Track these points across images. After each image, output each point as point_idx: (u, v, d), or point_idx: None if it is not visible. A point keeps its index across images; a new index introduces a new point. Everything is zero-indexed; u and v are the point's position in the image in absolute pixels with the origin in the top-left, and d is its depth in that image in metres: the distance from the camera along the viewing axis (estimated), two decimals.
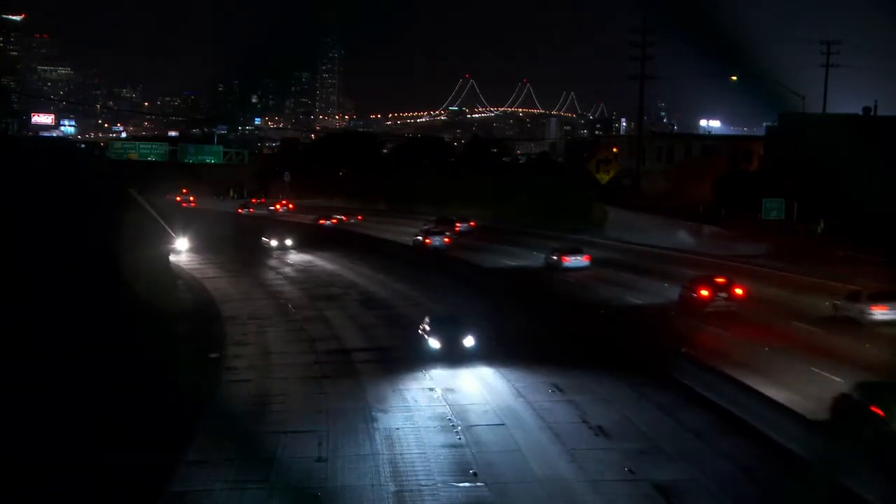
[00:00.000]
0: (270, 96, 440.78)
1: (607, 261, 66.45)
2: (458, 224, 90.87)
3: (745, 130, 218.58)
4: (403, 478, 25.66)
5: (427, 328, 40.14)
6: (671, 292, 50.42)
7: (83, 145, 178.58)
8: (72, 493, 23.14)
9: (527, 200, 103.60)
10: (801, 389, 31.40)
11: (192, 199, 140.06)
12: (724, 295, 45.22)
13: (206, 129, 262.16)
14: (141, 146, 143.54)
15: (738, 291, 46.38)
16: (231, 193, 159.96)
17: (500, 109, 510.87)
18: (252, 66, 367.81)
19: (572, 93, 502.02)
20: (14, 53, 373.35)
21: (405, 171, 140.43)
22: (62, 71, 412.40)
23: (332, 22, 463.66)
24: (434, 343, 38.88)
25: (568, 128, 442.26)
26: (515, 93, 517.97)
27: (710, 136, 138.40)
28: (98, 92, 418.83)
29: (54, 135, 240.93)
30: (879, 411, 25.49)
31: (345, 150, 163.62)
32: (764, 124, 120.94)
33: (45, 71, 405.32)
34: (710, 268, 57.00)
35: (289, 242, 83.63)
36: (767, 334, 40.54)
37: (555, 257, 65.27)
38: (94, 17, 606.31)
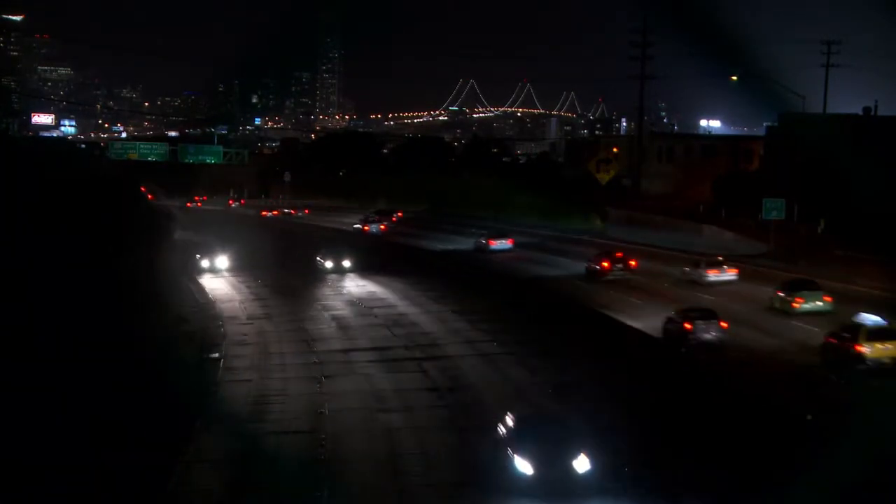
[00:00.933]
0: (270, 96, 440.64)
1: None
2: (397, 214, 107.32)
3: (745, 130, 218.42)
4: None
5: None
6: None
7: (83, 145, 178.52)
8: (72, 493, 23.14)
9: (527, 200, 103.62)
10: (650, 323, 43.97)
11: (199, 200, 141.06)
12: (620, 266, 56.18)
13: (206, 130, 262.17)
14: (141, 146, 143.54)
15: (632, 263, 58.29)
16: (231, 193, 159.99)
17: (500, 109, 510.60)
18: (252, 66, 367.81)
19: (572, 93, 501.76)
20: (14, 53, 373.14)
21: (405, 171, 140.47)
22: (62, 71, 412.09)
23: (332, 22, 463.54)
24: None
25: (568, 128, 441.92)
26: (515, 93, 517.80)
27: (710, 136, 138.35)
28: (98, 92, 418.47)
29: (54, 135, 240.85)
30: (688, 325, 40.44)
31: (345, 150, 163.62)
32: (764, 124, 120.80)
33: (45, 71, 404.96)
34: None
35: (347, 264, 68.34)
36: (647, 294, 53.54)
37: (483, 241, 76.35)
38: (94, 17, 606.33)
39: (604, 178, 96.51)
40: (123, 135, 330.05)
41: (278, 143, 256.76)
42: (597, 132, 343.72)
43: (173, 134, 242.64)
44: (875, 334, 35.79)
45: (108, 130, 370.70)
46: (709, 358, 37.30)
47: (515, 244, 76.38)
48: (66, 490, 23.11)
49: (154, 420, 28.61)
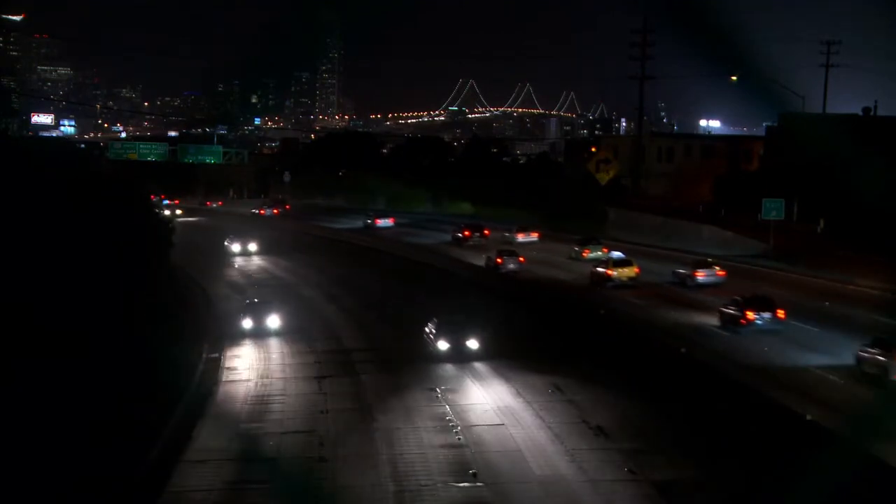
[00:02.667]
0: (270, 96, 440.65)
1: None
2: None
3: (745, 130, 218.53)
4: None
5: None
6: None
7: (82, 145, 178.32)
8: (72, 493, 23.14)
9: (526, 201, 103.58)
10: (477, 261, 69.35)
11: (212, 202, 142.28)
12: (478, 235, 77.19)
13: (205, 130, 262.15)
14: (141, 146, 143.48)
15: (486, 232, 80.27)
16: (231, 194, 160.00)
17: (500, 109, 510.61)
18: (252, 66, 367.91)
19: (572, 93, 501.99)
20: (14, 53, 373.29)
21: (405, 171, 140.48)
22: (62, 71, 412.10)
23: (332, 22, 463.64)
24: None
25: (568, 128, 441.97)
26: (515, 93, 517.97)
27: (710, 136, 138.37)
28: (98, 92, 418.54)
29: (54, 135, 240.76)
30: (499, 259, 65.10)
31: (345, 150, 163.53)
32: (764, 124, 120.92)
33: (45, 71, 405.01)
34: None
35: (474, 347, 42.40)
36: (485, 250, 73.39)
37: (369, 221, 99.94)
38: (93, 16, 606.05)
39: (603, 178, 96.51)
40: (123, 135, 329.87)
41: (278, 143, 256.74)
42: (596, 132, 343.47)
43: (173, 134, 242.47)
44: (618, 263, 59.92)
45: (108, 130, 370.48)
46: (509, 279, 62.57)
47: (396, 223, 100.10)
48: (65, 489, 23.11)
49: (154, 420, 28.65)
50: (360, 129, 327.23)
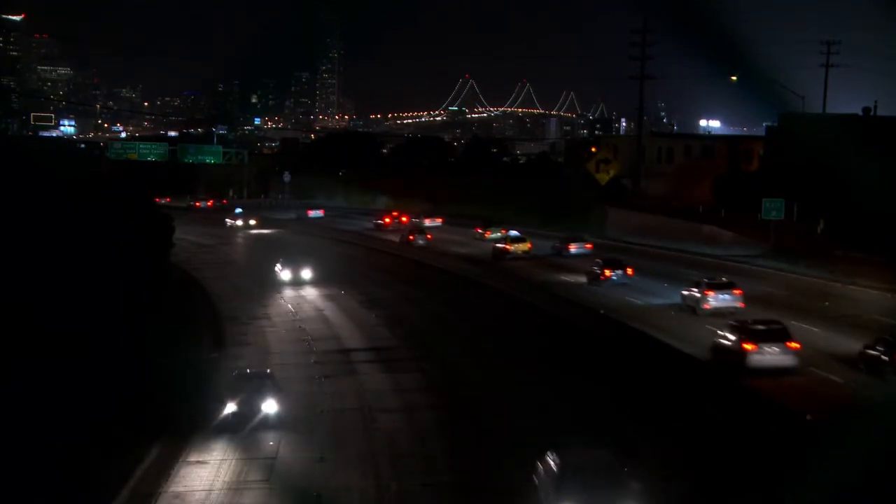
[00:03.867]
0: (270, 96, 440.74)
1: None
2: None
3: (745, 130, 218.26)
4: None
5: None
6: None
7: (82, 145, 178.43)
8: (71, 493, 23.15)
9: (526, 200, 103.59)
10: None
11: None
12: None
13: (205, 130, 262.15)
14: (141, 146, 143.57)
15: (404, 220, 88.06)
16: (231, 193, 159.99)
17: (500, 109, 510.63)
18: (252, 66, 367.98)
19: (572, 93, 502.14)
20: (14, 53, 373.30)
21: (404, 170, 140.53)
22: (62, 71, 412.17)
23: (331, 22, 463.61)
24: None
25: (568, 128, 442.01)
26: (515, 93, 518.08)
27: (710, 136, 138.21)
28: (98, 92, 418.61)
29: (54, 134, 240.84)
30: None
31: (344, 150, 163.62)
32: (764, 124, 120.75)
33: (45, 71, 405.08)
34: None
35: None
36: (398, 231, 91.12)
37: (302, 211, 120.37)
38: (93, 16, 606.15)
39: (603, 178, 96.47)
40: (123, 135, 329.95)
41: (278, 143, 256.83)
42: (596, 132, 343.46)
43: (173, 134, 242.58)
44: (514, 240, 75.12)
45: (108, 130, 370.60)
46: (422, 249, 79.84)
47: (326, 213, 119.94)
48: (65, 489, 23.12)
49: (154, 420, 28.63)
50: (360, 129, 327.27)
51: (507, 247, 73.92)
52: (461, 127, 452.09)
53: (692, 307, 46.75)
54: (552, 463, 21.97)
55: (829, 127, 71.63)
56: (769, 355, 34.23)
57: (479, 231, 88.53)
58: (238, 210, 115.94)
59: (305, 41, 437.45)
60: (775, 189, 69.26)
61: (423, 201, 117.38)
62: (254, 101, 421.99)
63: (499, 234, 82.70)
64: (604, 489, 20.82)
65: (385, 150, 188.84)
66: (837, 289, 52.60)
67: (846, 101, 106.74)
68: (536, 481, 22.52)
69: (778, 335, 34.89)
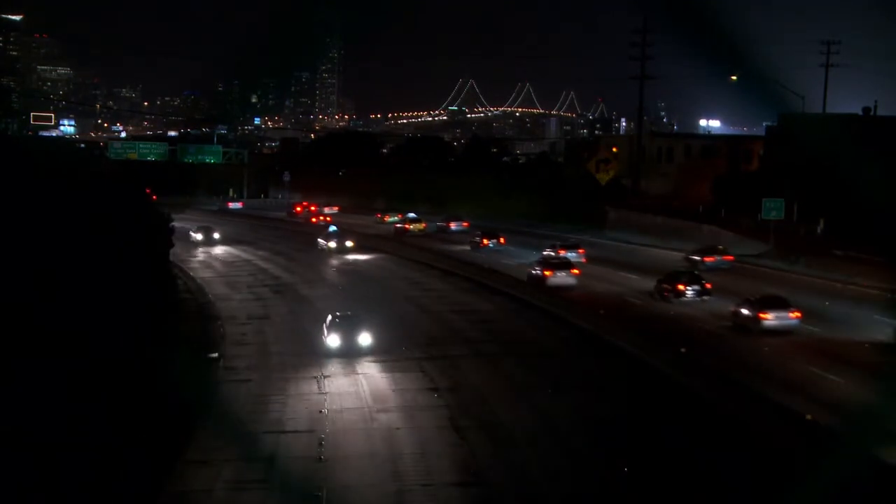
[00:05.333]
0: (270, 96, 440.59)
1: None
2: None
3: (745, 130, 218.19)
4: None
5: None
6: None
7: (82, 145, 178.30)
8: (71, 492, 23.15)
9: (526, 200, 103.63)
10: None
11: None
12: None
13: (205, 129, 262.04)
14: (141, 146, 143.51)
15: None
16: (231, 193, 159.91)
17: (500, 109, 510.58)
18: (252, 66, 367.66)
19: (572, 93, 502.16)
20: (14, 53, 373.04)
21: (404, 170, 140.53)
22: (62, 71, 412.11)
23: (331, 22, 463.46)
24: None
25: (568, 128, 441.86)
26: (515, 93, 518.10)
27: (710, 136, 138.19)
28: (98, 92, 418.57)
29: (54, 134, 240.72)
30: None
31: (345, 150, 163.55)
32: (764, 124, 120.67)
33: (45, 71, 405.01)
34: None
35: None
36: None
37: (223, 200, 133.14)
38: (93, 16, 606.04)
39: (603, 178, 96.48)
40: (123, 135, 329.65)
41: (278, 143, 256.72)
42: (596, 132, 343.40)
43: (173, 134, 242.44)
44: (412, 220, 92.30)
45: (108, 130, 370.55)
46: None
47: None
48: (65, 489, 23.12)
49: (154, 420, 28.64)
50: (360, 129, 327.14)
51: (407, 226, 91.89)
52: (461, 127, 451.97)
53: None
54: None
55: (829, 127, 71.64)
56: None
57: (379, 216, 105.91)
58: (332, 228, 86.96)
59: (305, 41, 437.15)
60: (775, 189, 69.28)
61: (423, 201, 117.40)
62: (254, 101, 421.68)
63: (396, 217, 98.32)
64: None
65: (385, 150, 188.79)
66: (837, 289, 52.65)
67: (846, 101, 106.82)
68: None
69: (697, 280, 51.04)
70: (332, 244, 78.44)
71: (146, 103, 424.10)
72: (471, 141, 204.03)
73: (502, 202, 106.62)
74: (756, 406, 28.97)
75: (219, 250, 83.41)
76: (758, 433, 27.44)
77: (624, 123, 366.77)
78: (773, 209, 66.57)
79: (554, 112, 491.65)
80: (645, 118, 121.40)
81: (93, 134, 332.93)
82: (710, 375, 32.86)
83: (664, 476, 25.12)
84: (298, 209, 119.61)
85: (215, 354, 41.53)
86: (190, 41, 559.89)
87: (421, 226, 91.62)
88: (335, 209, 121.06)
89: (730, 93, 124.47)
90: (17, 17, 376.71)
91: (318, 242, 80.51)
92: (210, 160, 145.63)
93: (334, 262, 74.22)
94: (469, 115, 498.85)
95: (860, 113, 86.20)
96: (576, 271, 57.00)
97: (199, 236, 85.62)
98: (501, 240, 76.90)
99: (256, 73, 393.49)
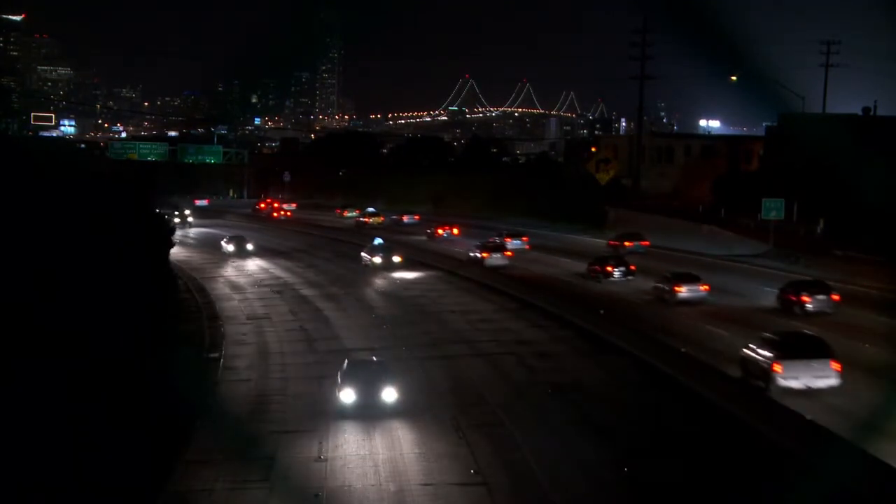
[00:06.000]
0: (270, 96, 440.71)
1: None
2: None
3: (745, 130, 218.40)
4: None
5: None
6: None
7: (83, 145, 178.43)
8: (71, 493, 23.15)
9: (526, 200, 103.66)
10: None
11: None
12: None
13: (205, 130, 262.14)
14: (141, 146, 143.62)
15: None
16: (231, 193, 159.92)
17: (500, 109, 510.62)
18: (252, 66, 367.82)
19: (572, 93, 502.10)
20: (14, 53, 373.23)
21: (404, 170, 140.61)
22: (62, 71, 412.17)
23: (332, 22, 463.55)
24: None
25: (568, 128, 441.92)
26: (515, 93, 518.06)
27: (710, 136, 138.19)
28: (98, 92, 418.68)
29: (54, 135, 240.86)
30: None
31: (344, 150, 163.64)
32: (764, 124, 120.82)
33: (45, 71, 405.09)
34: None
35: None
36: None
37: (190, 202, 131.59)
38: (94, 16, 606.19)
39: (603, 178, 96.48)
40: (123, 135, 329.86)
41: (278, 143, 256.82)
42: (596, 132, 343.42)
43: (173, 134, 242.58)
44: (371, 215, 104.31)
45: (108, 130, 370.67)
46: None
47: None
48: (65, 489, 23.12)
49: (154, 420, 28.64)
50: (360, 129, 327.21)
51: (367, 220, 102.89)
52: (461, 127, 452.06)
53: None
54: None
55: (828, 127, 71.69)
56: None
57: (339, 212, 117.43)
58: (378, 241, 73.35)
59: (305, 41, 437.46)
60: (775, 189, 69.29)
61: (424, 201, 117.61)
62: (254, 101, 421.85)
63: (354, 213, 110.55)
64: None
65: (385, 150, 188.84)
66: (837, 288, 52.59)
67: (846, 101, 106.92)
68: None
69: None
70: (378, 260, 68.24)
71: (146, 103, 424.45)
72: (471, 141, 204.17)
73: (502, 202, 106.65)
74: (660, 348, 36.54)
75: (251, 265, 73.82)
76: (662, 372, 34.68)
77: (624, 123, 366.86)
78: (772, 209, 66.57)
79: (554, 112, 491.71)
80: (645, 118, 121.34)
81: (93, 134, 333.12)
82: (625, 328, 41.16)
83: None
84: (262, 206, 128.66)
85: (215, 354, 41.52)
86: (190, 41, 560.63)
87: (379, 219, 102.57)
88: (293, 206, 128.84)
89: (730, 93, 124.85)
90: (18, 17, 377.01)
91: (361, 257, 70.56)
92: (210, 160, 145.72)
93: (379, 281, 63.86)
94: (469, 116, 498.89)
95: (860, 113, 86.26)
96: (509, 253, 67.37)
97: (230, 247, 79.52)
98: (454, 231, 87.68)
99: (256, 73, 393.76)
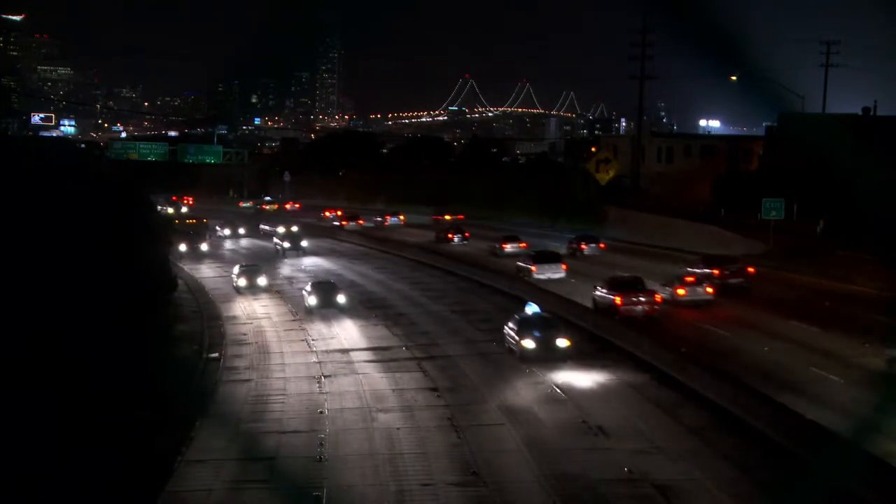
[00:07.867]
0: (270, 96, 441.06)
1: None
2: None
3: (745, 130, 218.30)
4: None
5: None
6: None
7: (83, 145, 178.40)
8: (71, 492, 23.15)
9: (526, 200, 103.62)
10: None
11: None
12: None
13: (205, 130, 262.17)
14: (141, 146, 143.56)
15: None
16: (231, 193, 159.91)
17: (500, 109, 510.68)
18: (252, 66, 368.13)
19: (572, 93, 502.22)
20: (14, 53, 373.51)
21: (404, 170, 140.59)
22: (62, 71, 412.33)
23: (332, 22, 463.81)
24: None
25: (568, 128, 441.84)
26: (515, 93, 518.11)
27: (710, 136, 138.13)
28: (98, 92, 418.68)
29: (54, 135, 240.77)
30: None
31: (345, 150, 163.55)
32: (764, 124, 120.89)
33: (45, 71, 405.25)
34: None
35: None
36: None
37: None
38: (94, 16, 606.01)
39: (603, 177, 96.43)
40: (123, 135, 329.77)
41: (278, 143, 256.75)
42: (596, 132, 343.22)
43: (173, 134, 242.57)
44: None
45: (108, 130, 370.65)
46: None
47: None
48: (65, 489, 23.12)
49: (154, 420, 28.65)
50: (360, 129, 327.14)
51: (263, 207, 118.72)
52: (461, 127, 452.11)
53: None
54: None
55: (828, 127, 71.69)
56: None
57: (241, 204, 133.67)
58: (533, 310, 42.28)
59: (305, 41, 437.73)
60: (775, 189, 69.25)
61: (423, 201, 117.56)
62: (254, 101, 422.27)
63: (248, 203, 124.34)
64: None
65: (385, 150, 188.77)
66: (837, 288, 52.61)
67: (846, 101, 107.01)
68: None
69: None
70: (531, 345, 38.14)
71: (146, 103, 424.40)
72: (471, 141, 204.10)
73: (502, 202, 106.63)
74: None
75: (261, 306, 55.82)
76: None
77: (624, 123, 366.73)
78: (773, 209, 66.51)
79: (554, 112, 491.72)
80: (645, 118, 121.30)
81: (93, 134, 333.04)
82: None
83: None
84: (241, 203, 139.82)
85: (215, 354, 41.45)
86: (190, 41, 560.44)
87: (274, 207, 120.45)
88: (250, 203, 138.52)
89: (730, 93, 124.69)
90: (18, 17, 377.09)
91: (505, 336, 40.54)
92: (210, 160, 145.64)
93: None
94: (469, 116, 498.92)
95: (860, 113, 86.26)
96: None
97: (241, 282, 60.70)
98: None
99: (256, 73, 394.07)
